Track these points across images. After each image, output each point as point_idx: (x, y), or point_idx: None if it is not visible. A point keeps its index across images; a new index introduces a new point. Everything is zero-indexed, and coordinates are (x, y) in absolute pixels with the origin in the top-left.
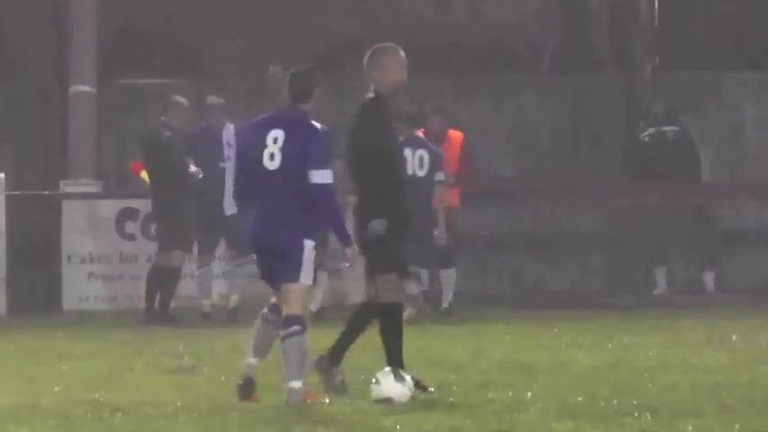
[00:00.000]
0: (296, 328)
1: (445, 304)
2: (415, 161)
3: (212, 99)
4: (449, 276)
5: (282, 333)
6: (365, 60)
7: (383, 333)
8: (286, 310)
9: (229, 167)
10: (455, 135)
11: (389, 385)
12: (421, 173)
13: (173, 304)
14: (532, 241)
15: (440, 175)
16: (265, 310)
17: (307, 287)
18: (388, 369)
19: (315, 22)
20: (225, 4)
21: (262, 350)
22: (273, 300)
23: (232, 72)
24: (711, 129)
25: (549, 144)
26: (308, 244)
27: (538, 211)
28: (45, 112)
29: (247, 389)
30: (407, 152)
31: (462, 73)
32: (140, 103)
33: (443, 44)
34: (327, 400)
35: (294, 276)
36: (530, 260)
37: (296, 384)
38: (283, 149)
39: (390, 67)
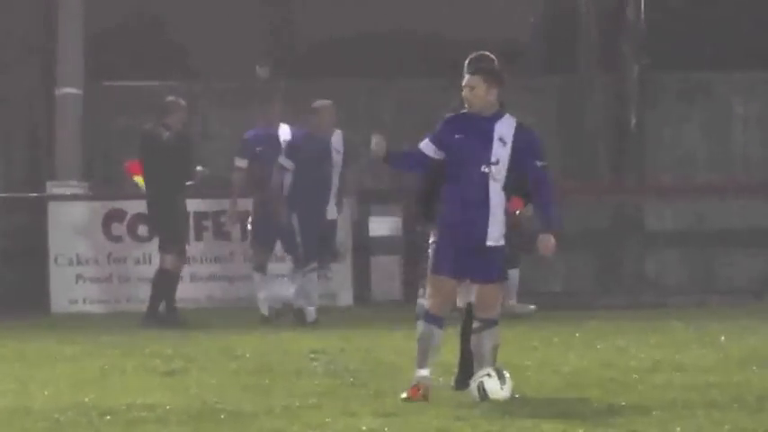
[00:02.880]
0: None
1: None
2: None
3: (320, 102)
4: (513, 276)
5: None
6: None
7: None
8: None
9: (335, 173)
10: None
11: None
12: None
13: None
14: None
15: None
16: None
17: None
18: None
19: (302, 22)
20: (213, 5)
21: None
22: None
23: (220, 73)
24: (699, 128)
25: None
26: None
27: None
28: (32, 114)
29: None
30: None
31: (448, 73)
32: (127, 105)
33: (429, 44)
34: (428, 401)
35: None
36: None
37: (422, 372)
38: None
39: None
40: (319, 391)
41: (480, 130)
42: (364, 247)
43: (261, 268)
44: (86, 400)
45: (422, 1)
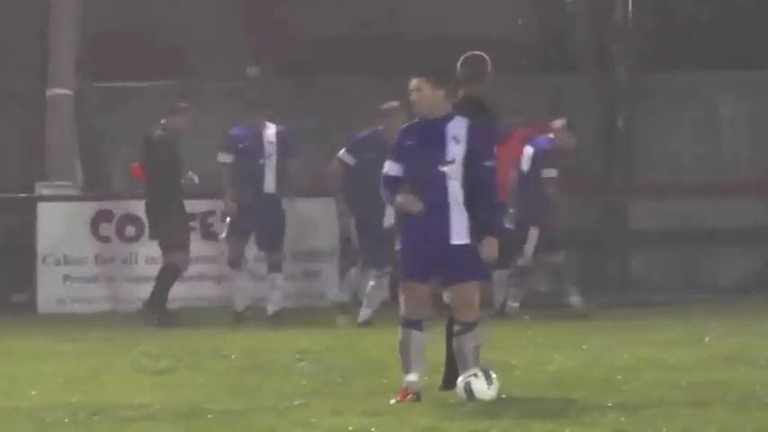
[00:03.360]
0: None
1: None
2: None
3: (390, 105)
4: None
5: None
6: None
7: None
8: None
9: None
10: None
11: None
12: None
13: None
14: None
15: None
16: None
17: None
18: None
19: (293, 23)
20: (203, 6)
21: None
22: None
23: (210, 73)
24: (687, 128)
25: None
26: None
27: None
28: (24, 115)
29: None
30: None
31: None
32: (118, 106)
33: (422, 44)
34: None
35: None
36: None
37: (408, 377)
38: None
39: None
40: (307, 390)
41: (433, 131)
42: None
43: (235, 264)
44: (74, 399)
45: (417, 0)
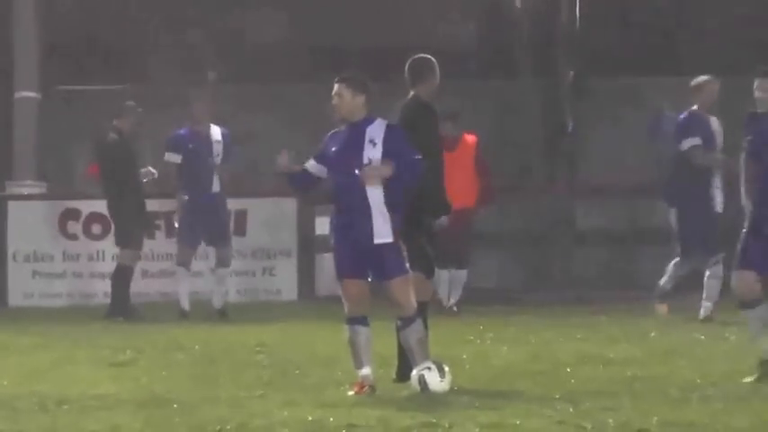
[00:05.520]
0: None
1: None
2: None
3: (701, 79)
4: (461, 277)
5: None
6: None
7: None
8: None
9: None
10: (470, 139)
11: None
12: None
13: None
14: None
15: None
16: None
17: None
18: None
19: (252, 29)
20: (164, 12)
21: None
22: None
23: (170, 77)
24: (630, 132)
25: None
26: None
27: None
28: None
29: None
30: None
31: (384, 78)
32: (83, 108)
33: (369, 49)
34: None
35: None
36: None
37: (361, 371)
38: None
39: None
40: (264, 382)
41: (352, 136)
42: (310, 244)
43: (185, 264)
44: (42, 389)
45: (365, 8)
